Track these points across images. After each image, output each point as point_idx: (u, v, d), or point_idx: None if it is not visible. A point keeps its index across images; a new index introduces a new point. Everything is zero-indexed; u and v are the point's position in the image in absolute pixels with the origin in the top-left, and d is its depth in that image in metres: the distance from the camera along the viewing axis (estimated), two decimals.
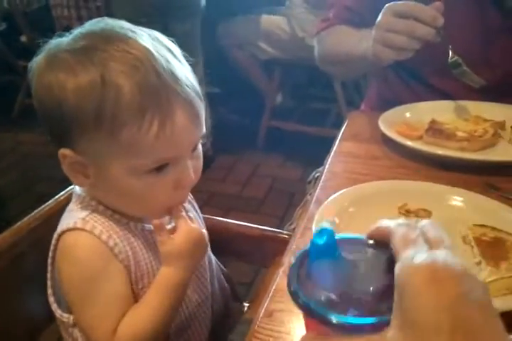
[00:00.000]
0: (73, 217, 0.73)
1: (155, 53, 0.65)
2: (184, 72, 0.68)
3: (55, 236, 0.73)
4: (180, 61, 0.69)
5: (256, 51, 3.10)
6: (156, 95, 0.63)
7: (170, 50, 0.69)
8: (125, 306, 0.72)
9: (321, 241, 0.52)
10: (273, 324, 0.70)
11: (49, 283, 0.79)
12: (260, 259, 1.12)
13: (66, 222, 0.72)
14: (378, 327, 0.46)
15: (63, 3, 3.14)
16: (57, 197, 1.01)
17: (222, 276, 0.97)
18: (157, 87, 0.63)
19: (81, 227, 0.70)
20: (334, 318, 0.46)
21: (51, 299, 0.78)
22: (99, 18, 0.69)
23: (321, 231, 0.52)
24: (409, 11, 1.04)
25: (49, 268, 0.78)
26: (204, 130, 0.71)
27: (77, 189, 0.77)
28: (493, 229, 0.81)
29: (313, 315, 0.48)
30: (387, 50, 1.09)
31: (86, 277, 0.71)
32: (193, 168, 0.71)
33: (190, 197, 0.90)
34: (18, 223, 0.94)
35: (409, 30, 1.05)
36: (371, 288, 0.49)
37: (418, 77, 1.35)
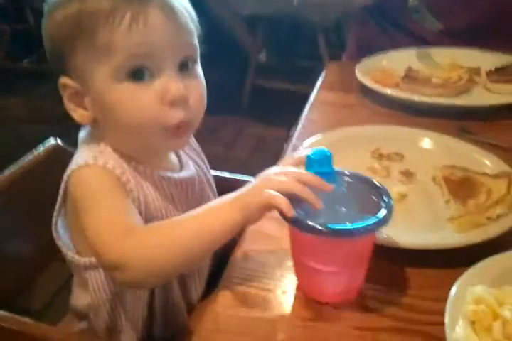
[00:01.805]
0: (83, 156, 0.71)
1: None
2: None
3: (65, 178, 0.72)
4: None
5: (238, 6, 3.05)
6: None
7: None
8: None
9: (315, 156, 0.63)
10: (248, 263, 0.72)
11: (54, 227, 0.78)
12: None
13: (75, 162, 0.71)
14: (357, 233, 0.58)
15: None
16: (35, 151, 1.01)
17: None
18: None
19: (93, 163, 0.69)
20: (321, 227, 0.57)
21: (59, 242, 0.78)
22: None
23: (317, 151, 0.63)
24: None
25: (55, 213, 0.77)
26: (195, 46, 0.71)
27: (81, 135, 0.77)
28: (463, 169, 0.83)
29: (301, 226, 0.58)
30: None
31: (95, 189, 0.68)
32: (188, 87, 0.69)
33: (193, 140, 0.89)
34: None
35: None
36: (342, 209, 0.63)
37: (395, 22, 1.35)
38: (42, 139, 1.05)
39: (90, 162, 0.69)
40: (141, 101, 0.67)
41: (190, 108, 0.70)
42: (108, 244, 0.63)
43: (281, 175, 0.63)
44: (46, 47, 0.72)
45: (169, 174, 0.77)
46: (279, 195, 0.60)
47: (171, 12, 0.67)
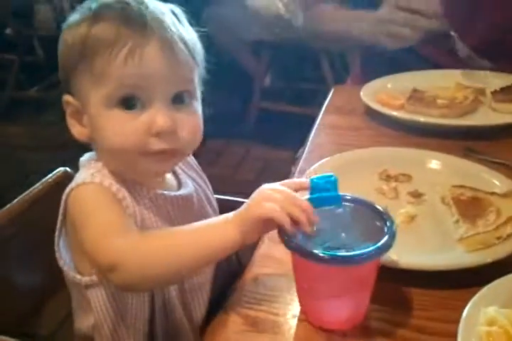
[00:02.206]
0: (81, 175, 0.74)
1: (148, 2, 0.71)
2: (177, 25, 0.72)
3: (64, 197, 0.74)
4: (180, 20, 0.74)
5: (243, 33, 3.09)
6: (130, 27, 0.68)
7: (173, 12, 0.74)
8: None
9: (320, 180, 0.63)
10: (258, 287, 0.72)
11: (56, 248, 0.79)
12: None
13: (74, 181, 0.73)
14: (358, 261, 0.57)
15: None
16: (45, 179, 1.02)
17: None
18: (133, 21, 0.68)
19: (90, 181, 0.71)
20: (322, 253, 0.56)
21: (61, 262, 0.78)
22: None
23: (322, 175, 0.64)
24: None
25: (56, 233, 0.78)
26: (192, 81, 0.73)
27: (82, 159, 0.79)
28: (471, 188, 0.83)
29: (301, 252, 0.58)
30: (390, 40, 1.13)
31: (92, 204, 0.71)
32: (179, 120, 0.71)
33: (192, 160, 0.90)
34: (8, 205, 0.95)
35: (411, 22, 1.08)
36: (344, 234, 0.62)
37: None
38: (47, 166, 1.06)
39: (87, 180, 0.71)
40: (126, 130, 0.69)
41: (180, 139, 0.72)
42: (103, 246, 0.66)
43: (278, 193, 0.64)
44: (59, 66, 0.76)
45: (166, 192, 0.78)
46: (281, 210, 0.61)
47: (169, 47, 0.69)
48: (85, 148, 0.79)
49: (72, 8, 0.76)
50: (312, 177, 0.64)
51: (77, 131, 0.75)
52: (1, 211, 0.93)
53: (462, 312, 0.60)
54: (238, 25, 3.07)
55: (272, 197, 0.63)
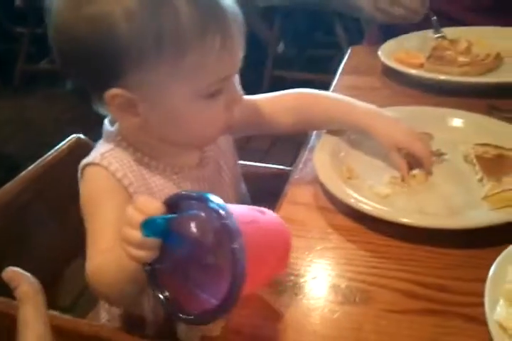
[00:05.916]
0: (96, 151, 0.73)
1: None
2: None
3: (79, 168, 0.73)
4: None
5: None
6: (212, 11, 0.63)
7: None
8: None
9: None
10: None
11: None
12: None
13: (89, 156, 0.73)
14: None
15: None
16: (58, 146, 1.01)
17: None
18: (210, 2, 0.63)
19: (98, 162, 0.70)
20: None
21: None
22: None
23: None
24: None
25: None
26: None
27: (106, 124, 0.76)
28: (496, 146, 0.80)
29: None
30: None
31: (95, 194, 0.70)
32: None
33: None
34: (23, 172, 0.94)
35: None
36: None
37: None
38: (63, 138, 1.05)
39: (97, 160, 0.70)
40: (212, 113, 0.69)
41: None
42: (89, 254, 0.65)
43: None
44: (79, 55, 0.64)
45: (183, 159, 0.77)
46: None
47: (239, 22, 0.67)
48: (102, 119, 0.77)
49: None
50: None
51: (130, 122, 0.69)
52: (17, 178, 0.92)
53: (488, 270, 0.58)
54: None
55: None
